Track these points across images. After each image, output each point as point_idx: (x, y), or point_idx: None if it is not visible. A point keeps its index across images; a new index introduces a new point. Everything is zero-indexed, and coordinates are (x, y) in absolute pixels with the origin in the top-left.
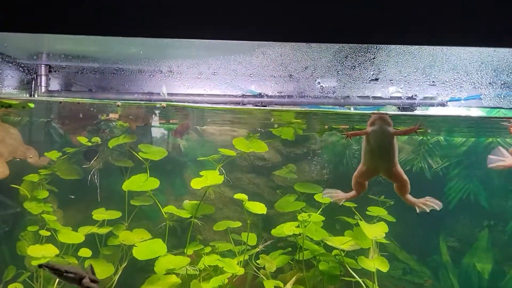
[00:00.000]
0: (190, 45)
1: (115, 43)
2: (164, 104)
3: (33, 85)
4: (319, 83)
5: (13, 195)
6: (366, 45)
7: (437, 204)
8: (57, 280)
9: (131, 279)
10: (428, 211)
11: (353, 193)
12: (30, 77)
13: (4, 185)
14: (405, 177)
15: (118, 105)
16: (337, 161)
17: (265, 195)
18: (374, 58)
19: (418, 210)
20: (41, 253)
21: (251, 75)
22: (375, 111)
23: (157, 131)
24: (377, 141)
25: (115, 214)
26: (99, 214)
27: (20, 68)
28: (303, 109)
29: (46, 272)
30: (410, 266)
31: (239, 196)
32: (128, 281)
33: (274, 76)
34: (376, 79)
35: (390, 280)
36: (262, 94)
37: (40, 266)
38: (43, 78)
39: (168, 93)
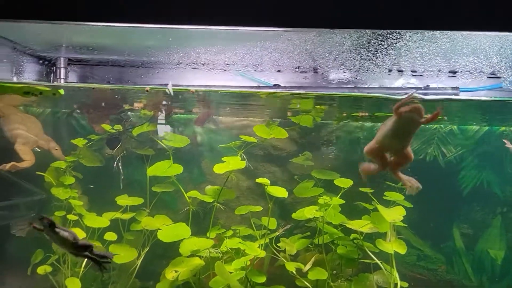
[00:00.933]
0: (208, 36)
1: (133, 35)
2: (193, 89)
3: (52, 78)
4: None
5: (38, 182)
6: (388, 30)
7: (416, 188)
8: (84, 262)
9: (151, 265)
10: (413, 193)
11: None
12: (49, 69)
13: (29, 172)
14: (412, 155)
15: (147, 90)
16: (352, 149)
17: (281, 183)
18: (395, 44)
19: (407, 192)
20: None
21: (273, 65)
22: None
23: (178, 120)
24: (405, 126)
25: (137, 201)
26: (122, 200)
27: (40, 61)
28: (326, 93)
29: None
30: (424, 252)
31: (261, 180)
32: (149, 266)
33: (298, 65)
34: (401, 71)
35: (404, 266)
36: (277, 84)
37: (40, 218)
38: (62, 70)
39: (185, 85)
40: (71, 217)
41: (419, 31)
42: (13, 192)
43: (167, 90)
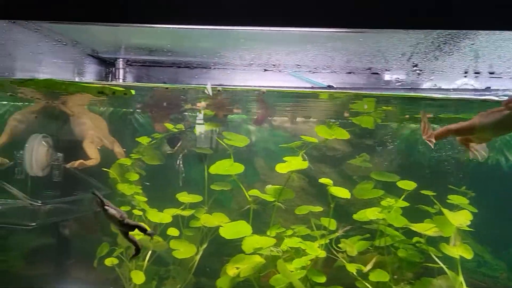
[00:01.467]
0: (259, 37)
1: (187, 37)
2: (264, 89)
3: (110, 78)
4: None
5: (103, 179)
6: (465, 31)
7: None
8: (148, 254)
9: (206, 261)
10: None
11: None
12: (108, 70)
13: (94, 169)
14: None
15: (219, 90)
16: (409, 152)
17: (335, 184)
18: (472, 44)
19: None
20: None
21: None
22: None
23: (237, 120)
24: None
25: (197, 198)
26: (183, 197)
27: (100, 61)
28: (394, 93)
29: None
30: (485, 258)
31: (324, 180)
32: (203, 262)
33: (370, 67)
34: (477, 73)
35: (464, 272)
36: (331, 85)
37: (92, 192)
38: (121, 71)
39: (234, 85)
40: (136, 212)
41: (497, 31)
42: (80, 188)
43: (205, 91)
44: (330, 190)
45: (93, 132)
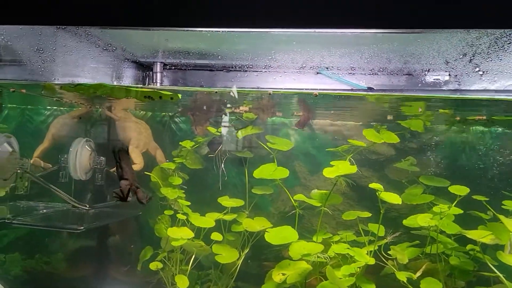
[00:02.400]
0: (297, 39)
1: (224, 40)
2: (316, 92)
3: (147, 82)
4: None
5: (144, 182)
6: None
7: None
8: (192, 258)
9: (245, 266)
10: None
11: None
12: (145, 74)
13: (136, 174)
14: None
15: (270, 94)
16: (455, 155)
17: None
18: None
19: None
20: (179, 234)
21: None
22: None
23: (277, 123)
24: None
25: (238, 202)
26: (226, 201)
27: (138, 65)
28: (456, 96)
29: (178, 254)
30: None
31: (374, 185)
32: (243, 267)
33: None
34: None
35: None
36: (371, 87)
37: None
38: (158, 75)
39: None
40: (180, 216)
41: None
42: None
43: (231, 93)
44: (381, 196)
45: (138, 137)
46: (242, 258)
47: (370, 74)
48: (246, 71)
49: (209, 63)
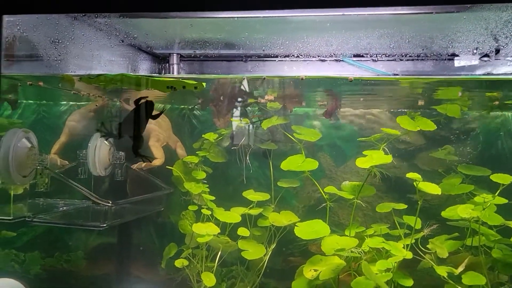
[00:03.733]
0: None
1: (243, 28)
2: (351, 77)
3: (163, 74)
4: None
5: (165, 177)
6: None
7: None
8: (218, 255)
9: (270, 262)
10: None
11: None
12: (162, 66)
13: (157, 168)
14: None
15: (302, 79)
16: (490, 143)
17: (408, 179)
18: None
19: None
20: (204, 230)
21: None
22: None
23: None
24: None
25: (264, 196)
26: (252, 195)
27: (154, 57)
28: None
29: (203, 250)
30: None
31: (412, 175)
32: (270, 263)
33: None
34: None
35: None
36: (396, 74)
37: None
38: (175, 66)
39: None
40: (205, 211)
41: None
42: (144, 188)
43: (242, 86)
44: (419, 186)
45: (158, 130)
46: (269, 254)
47: (396, 60)
48: (264, 60)
49: (226, 53)
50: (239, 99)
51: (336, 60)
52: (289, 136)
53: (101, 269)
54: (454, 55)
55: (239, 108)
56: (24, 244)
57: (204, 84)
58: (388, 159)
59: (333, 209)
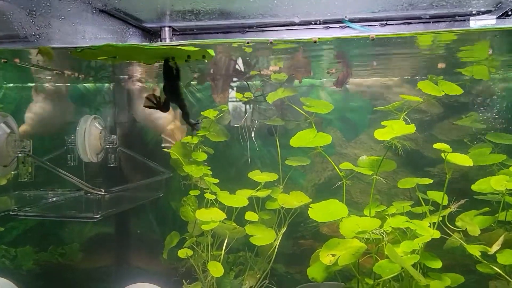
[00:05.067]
0: None
1: None
2: (373, 35)
3: None
4: None
5: (162, 161)
6: None
7: None
8: (225, 243)
9: (280, 246)
10: None
11: None
12: (153, 41)
13: (154, 151)
14: None
15: (315, 42)
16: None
17: (425, 151)
18: None
19: None
20: (209, 217)
21: None
22: None
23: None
24: None
25: (272, 176)
26: (256, 176)
27: (144, 32)
28: None
29: (208, 238)
30: None
31: (439, 146)
32: (279, 247)
33: None
34: None
35: None
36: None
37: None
38: (167, 41)
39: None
40: (209, 196)
41: None
42: (140, 173)
43: (237, 66)
44: (447, 158)
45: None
46: (279, 238)
47: (406, 24)
48: (264, 31)
49: (222, 23)
50: (240, 72)
51: (341, 27)
52: (298, 109)
53: (99, 261)
54: (469, 14)
55: (238, 82)
56: (15, 239)
57: (212, 51)
58: (411, 129)
59: (348, 187)
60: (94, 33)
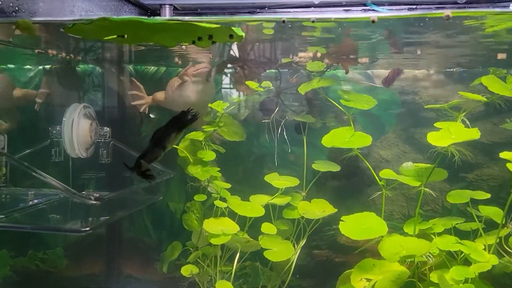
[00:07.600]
0: None
1: None
2: (449, 12)
3: None
4: None
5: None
6: None
7: None
8: (236, 259)
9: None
10: None
11: None
12: None
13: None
14: None
15: (374, 21)
16: None
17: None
18: None
19: None
20: (219, 228)
21: None
22: None
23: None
24: None
25: (293, 181)
26: (275, 181)
27: (142, 10)
28: None
29: (216, 250)
30: None
31: (507, 155)
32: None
33: None
34: None
35: None
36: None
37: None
38: None
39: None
40: (218, 203)
41: None
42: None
43: (231, 52)
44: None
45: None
46: (298, 252)
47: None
48: (277, 12)
49: (229, 2)
50: (269, 59)
51: (364, 10)
52: (334, 103)
53: (86, 268)
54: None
55: (266, 71)
56: None
57: (241, 32)
58: (475, 134)
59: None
60: (85, 8)
